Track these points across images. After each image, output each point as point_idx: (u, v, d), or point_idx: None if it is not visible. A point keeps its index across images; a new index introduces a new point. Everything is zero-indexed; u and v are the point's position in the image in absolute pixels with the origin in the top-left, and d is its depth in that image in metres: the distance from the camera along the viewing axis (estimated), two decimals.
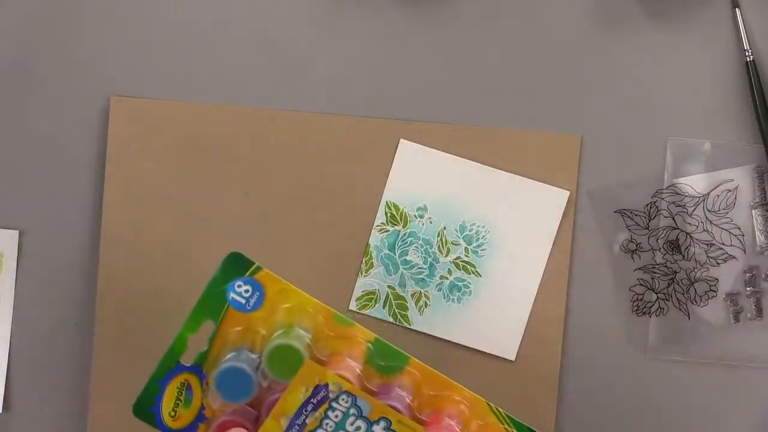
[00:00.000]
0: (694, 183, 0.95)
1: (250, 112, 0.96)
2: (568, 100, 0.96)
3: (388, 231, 0.96)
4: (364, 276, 0.96)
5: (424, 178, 0.96)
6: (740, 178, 0.95)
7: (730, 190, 0.95)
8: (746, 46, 0.94)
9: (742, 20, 0.94)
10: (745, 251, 0.96)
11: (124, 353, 0.96)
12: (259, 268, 0.79)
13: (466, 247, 0.96)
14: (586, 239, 0.96)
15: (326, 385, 0.77)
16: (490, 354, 0.96)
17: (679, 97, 0.95)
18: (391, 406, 0.77)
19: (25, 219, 0.97)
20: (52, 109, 0.97)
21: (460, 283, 0.96)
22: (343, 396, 0.77)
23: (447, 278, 0.96)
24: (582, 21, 0.96)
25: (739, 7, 0.94)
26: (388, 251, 0.96)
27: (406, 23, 0.96)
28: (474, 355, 0.96)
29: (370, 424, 0.77)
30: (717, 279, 0.96)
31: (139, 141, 0.96)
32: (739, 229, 0.95)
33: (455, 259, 0.96)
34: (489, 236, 0.96)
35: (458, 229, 0.96)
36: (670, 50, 0.95)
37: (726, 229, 0.95)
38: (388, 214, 0.96)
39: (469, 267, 0.96)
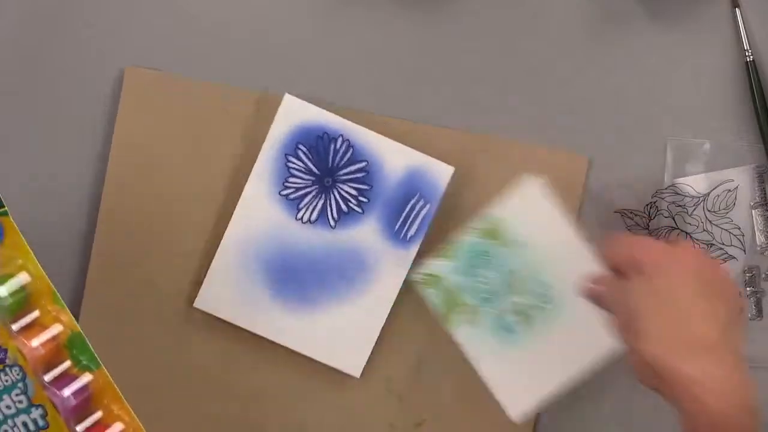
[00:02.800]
0: (694, 183, 0.95)
1: (264, 96, 0.95)
2: (567, 100, 0.96)
3: (482, 240, 0.94)
4: (440, 258, 0.94)
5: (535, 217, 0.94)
6: (740, 178, 0.95)
7: (730, 190, 0.95)
8: (746, 46, 0.94)
9: (742, 20, 0.94)
10: (745, 251, 0.96)
11: (112, 323, 0.96)
12: (5, 213, 0.80)
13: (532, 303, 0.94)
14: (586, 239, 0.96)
15: (6, 350, 0.78)
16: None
17: (679, 97, 0.95)
18: (51, 400, 0.79)
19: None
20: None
21: (510, 322, 0.94)
22: (16, 368, 0.79)
23: (501, 316, 0.93)
24: (582, 21, 0.96)
25: (739, 7, 0.95)
26: (472, 255, 0.94)
27: (406, 29, 0.96)
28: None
29: (31, 404, 0.79)
30: None
31: (149, 113, 0.95)
32: (739, 229, 0.96)
33: (518, 303, 0.94)
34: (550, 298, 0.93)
35: (536, 282, 0.93)
36: (669, 50, 0.95)
37: (726, 229, 0.96)
38: (491, 229, 0.94)
39: (524, 316, 0.94)
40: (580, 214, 0.95)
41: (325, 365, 0.95)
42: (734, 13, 0.95)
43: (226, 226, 0.95)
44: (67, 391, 0.79)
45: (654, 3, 0.95)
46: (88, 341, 0.81)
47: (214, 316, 0.95)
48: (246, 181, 0.95)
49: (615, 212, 0.96)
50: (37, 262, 0.81)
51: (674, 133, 0.95)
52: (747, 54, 0.94)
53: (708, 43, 0.95)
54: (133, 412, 0.82)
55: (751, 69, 0.94)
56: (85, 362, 0.81)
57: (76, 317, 0.95)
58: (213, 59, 0.96)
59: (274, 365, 0.96)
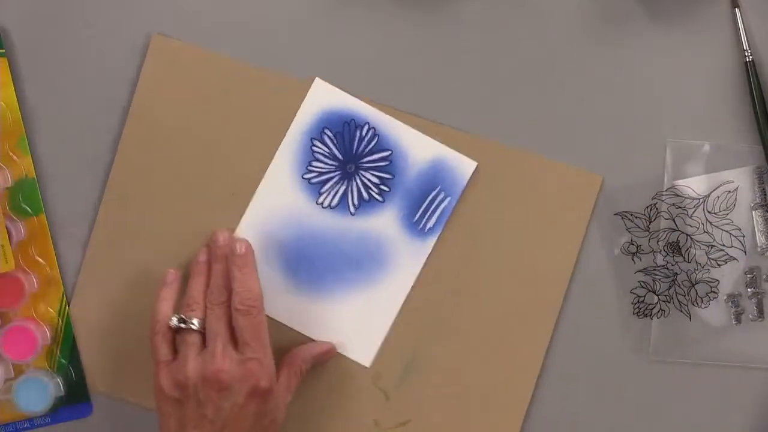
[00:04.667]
0: (694, 185, 0.95)
1: (288, 81, 0.95)
2: (566, 101, 0.96)
3: None
4: None
5: None
6: (740, 180, 0.95)
7: (730, 192, 0.95)
8: (746, 46, 0.94)
9: (742, 20, 0.94)
10: (745, 252, 0.95)
11: (112, 293, 0.97)
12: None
13: None
14: (586, 241, 0.95)
15: None
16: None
17: (679, 97, 0.95)
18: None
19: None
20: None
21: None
22: None
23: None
24: (581, 21, 0.95)
25: (738, 7, 0.94)
26: None
27: (406, 29, 0.96)
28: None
29: None
30: (718, 280, 0.95)
31: (170, 84, 0.95)
32: (739, 230, 0.95)
33: None
34: None
35: None
36: (669, 50, 0.95)
37: (726, 231, 0.95)
38: None
39: None
40: (587, 233, 0.95)
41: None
42: (734, 13, 0.94)
43: (243, 206, 0.95)
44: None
45: (654, 3, 0.95)
46: (38, 189, 0.94)
47: None
48: (265, 163, 0.95)
49: (615, 215, 0.95)
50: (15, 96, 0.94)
51: (673, 135, 0.95)
52: (746, 54, 0.94)
53: (708, 43, 0.95)
54: (56, 262, 0.95)
55: (750, 69, 0.94)
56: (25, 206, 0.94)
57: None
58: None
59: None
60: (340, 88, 0.96)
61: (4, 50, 0.96)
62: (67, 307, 0.96)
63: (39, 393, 0.95)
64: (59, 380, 0.96)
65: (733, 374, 0.96)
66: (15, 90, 0.96)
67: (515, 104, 0.96)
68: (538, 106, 0.96)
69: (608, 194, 0.95)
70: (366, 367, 0.96)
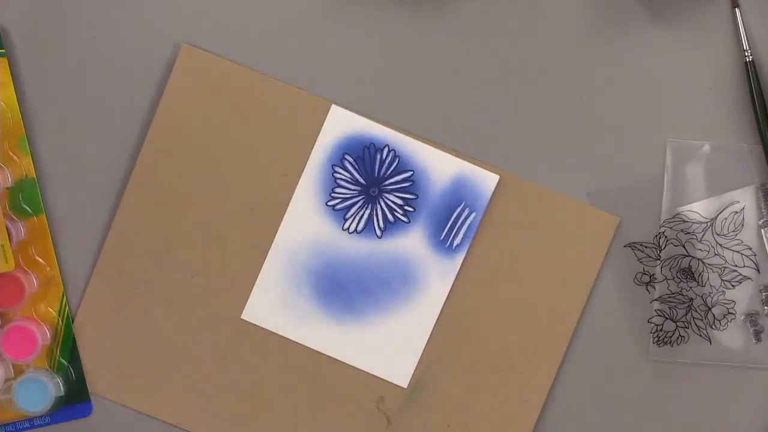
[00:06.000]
0: (700, 209, 0.94)
1: (316, 101, 0.95)
2: (566, 101, 0.94)
3: None
4: None
5: None
6: (745, 199, 0.94)
7: (736, 212, 0.93)
8: (746, 46, 0.92)
9: (742, 20, 0.92)
10: (758, 271, 0.94)
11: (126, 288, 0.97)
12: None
13: None
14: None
15: None
16: None
17: (679, 97, 0.94)
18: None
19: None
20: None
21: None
22: None
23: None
24: (580, 20, 0.94)
25: (738, 7, 0.93)
26: None
27: (406, 29, 0.95)
28: None
29: None
30: (734, 301, 0.94)
31: (197, 95, 0.95)
32: (750, 249, 0.94)
33: None
34: None
35: None
36: (670, 50, 0.94)
37: (737, 251, 0.94)
38: None
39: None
40: (599, 276, 0.95)
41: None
42: (734, 13, 0.93)
43: (267, 232, 0.95)
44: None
45: (654, 3, 0.93)
46: (38, 189, 0.95)
47: (263, 327, 0.96)
48: (287, 184, 0.95)
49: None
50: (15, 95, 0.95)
51: (673, 135, 0.94)
52: (746, 54, 0.92)
53: (708, 43, 0.93)
54: (56, 262, 0.95)
55: (750, 69, 0.92)
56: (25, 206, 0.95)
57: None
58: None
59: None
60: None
61: (4, 50, 0.96)
62: (67, 307, 0.97)
63: (39, 393, 0.96)
64: (59, 380, 0.97)
65: (733, 374, 0.95)
66: (15, 90, 0.96)
67: (515, 103, 0.95)
68: (537, 105, 0.95)
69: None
70: (402, 388, 0.95)
